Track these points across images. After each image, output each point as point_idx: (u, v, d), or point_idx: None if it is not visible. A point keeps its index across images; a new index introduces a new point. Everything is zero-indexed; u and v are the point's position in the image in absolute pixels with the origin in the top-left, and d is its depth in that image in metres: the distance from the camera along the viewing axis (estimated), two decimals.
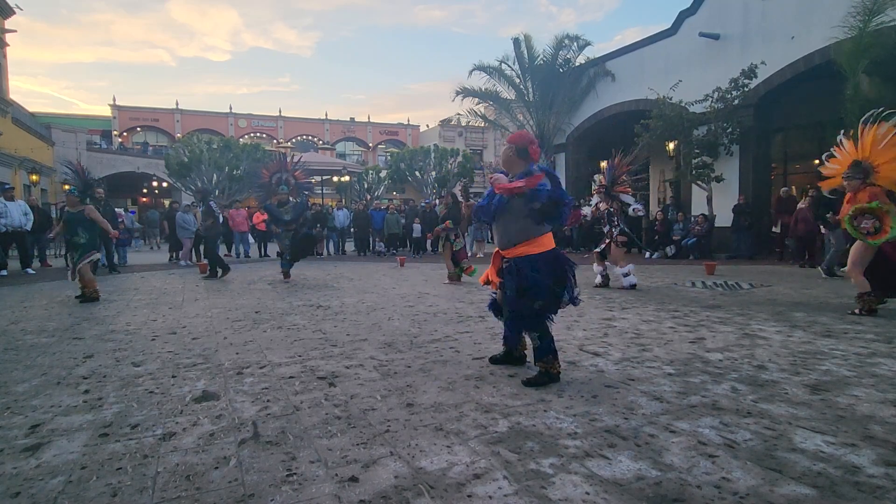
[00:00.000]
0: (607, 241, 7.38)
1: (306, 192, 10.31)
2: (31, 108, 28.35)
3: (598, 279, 7.54)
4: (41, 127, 25.90)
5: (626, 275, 7.26)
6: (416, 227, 15.26)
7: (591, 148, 19.26)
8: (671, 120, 13.02)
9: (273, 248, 13.12)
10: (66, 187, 7.68)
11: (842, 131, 5.65)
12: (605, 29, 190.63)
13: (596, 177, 7.98)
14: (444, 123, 40.14)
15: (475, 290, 7.34)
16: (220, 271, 9.51)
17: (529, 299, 3.10)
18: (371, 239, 16.29)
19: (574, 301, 3.26)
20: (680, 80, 13.35)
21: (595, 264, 7.61)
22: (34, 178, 19.72)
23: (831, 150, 5.72)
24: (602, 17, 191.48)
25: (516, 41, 17.73)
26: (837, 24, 9.94)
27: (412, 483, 2.02)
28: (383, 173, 29.21)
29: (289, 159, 9.88)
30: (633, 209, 7.20)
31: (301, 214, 8.96)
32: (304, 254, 9.30)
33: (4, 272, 10.25)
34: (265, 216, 9.79)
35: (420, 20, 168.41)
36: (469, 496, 1.92)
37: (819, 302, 5.97)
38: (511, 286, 3.15)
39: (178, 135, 34.80)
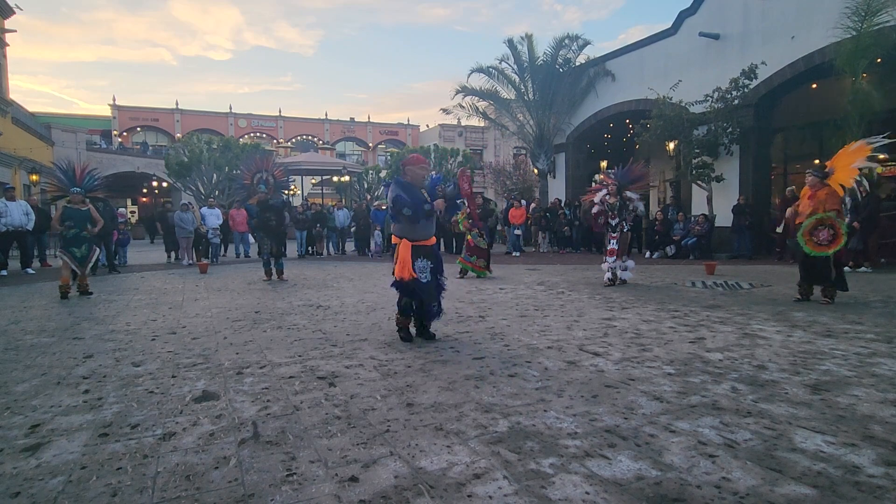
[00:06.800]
0: (615, 235, 7.65)
1: (284, 191, 10.38)
2: (30, 108, 28.39)
3: (609, 276, 7.69)
4: (41, 127, 25.90)
5: (623, 269, 7.69)
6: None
7: (591, 148, 19.26)
8: (671, 120, 13.02)
9: None
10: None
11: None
12: (609, 28, 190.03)
13: (596, 176, 8.21)
14: (445, 121, 40.07)
15: (475, 290, 7.34)
16: None
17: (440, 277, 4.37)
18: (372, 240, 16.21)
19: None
20: (680, 80, 13.34)
21: (606, 263, 7.74)
22: (34, 177, 19.72)
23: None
24: (607, 15, 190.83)
25: (511, 42, 17.71)
26: (837, 25, 9.95)
27: (412, 483, 2.02)
28: (383, 173, 29.17)
29: (268, 159, 9.87)
30: (634, 206, 7.71)
31: (269, 207, 8.84)
32: (277, 229, 8.93)
33: (4, 272, 10.26)
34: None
35: (424, 19, 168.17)
36: (469, 496, 1.92)
37: (819, 302, 5.97)
38: (435, 266, 4.28)
39: (178, 135, 34.82)
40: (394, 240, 4.29)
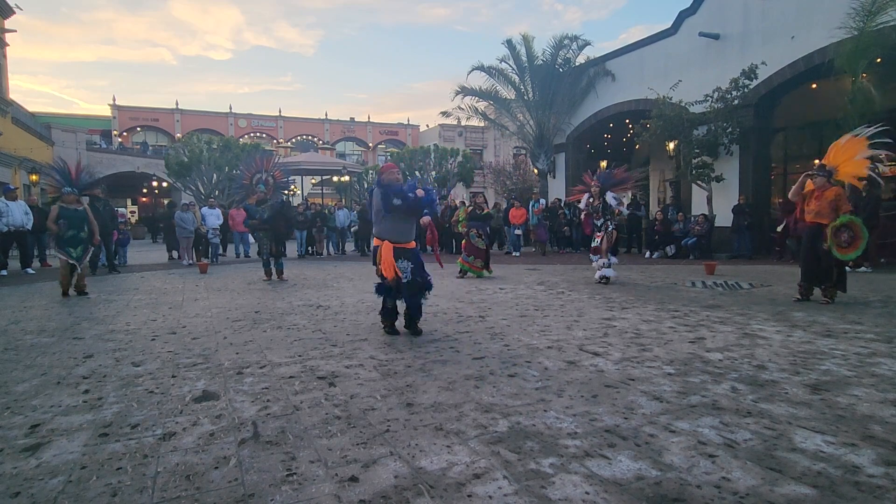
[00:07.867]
0: (600, 234, 8.06)
1: (284, 192, 10.45)
2: (31, 108, 28.37)
3: (599, 275, 8.06)
4: (41, 127, 25.89)
5: (607, 266, 7.98)
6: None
7: (591, 148, 19.24)
8: (671, 120, 13.01)
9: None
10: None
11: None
12: (610, 27, 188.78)
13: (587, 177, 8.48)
14: (445, 121, 40.05)
15: (475, 290, 7.34)
16: None
17: (423, 275, 4.52)
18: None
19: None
20: (680, 80, 13.33)
21: (595, 261, 8.16)
22: (34, 177, 19.73)
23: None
24: (607, 15, 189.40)
25: (510, 42, 17.71)
26: (838, 25, 9.95)
27: (412, 483, 2.02)
28: None
29: (268, 160, 9.90)
30: (615, 206, 8.07)
31: (278, 213, 8.97)
32: (284, 232, 9.04)
33: (4, 272, 10.27)
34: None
35: (424, 18, 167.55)
36: (469, 496, 1.92)
37: (819, 302, 5.97)
38: (415, 267, 4.46)
39: (178, 135, 34.79)
40: (375, 242, 4.52)
